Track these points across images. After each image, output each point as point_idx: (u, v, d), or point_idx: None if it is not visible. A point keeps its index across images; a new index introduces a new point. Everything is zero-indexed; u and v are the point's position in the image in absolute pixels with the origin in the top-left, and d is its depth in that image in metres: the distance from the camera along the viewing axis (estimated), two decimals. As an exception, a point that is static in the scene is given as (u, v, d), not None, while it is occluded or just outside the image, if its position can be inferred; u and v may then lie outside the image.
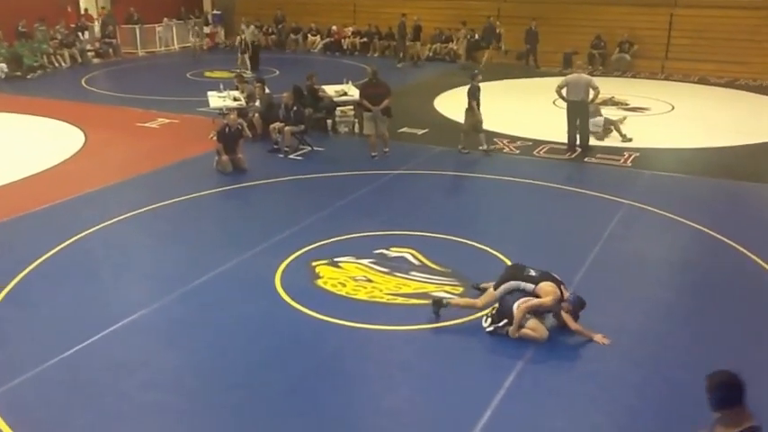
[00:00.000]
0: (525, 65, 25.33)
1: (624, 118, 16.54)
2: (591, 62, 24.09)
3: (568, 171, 13.55)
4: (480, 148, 14.30)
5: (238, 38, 25.00)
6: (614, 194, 11.86)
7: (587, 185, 12.43)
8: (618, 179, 12.86)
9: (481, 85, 14.33)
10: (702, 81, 22.99)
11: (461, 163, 13.90)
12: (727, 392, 4.07)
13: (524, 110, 19.00)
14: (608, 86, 18.61)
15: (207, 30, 30.95)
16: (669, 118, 18.02)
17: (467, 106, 14.32)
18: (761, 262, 9.30)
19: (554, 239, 10.20)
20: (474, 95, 14.18)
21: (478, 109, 14.20)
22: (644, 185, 12.50)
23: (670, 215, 10.98)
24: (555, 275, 7.63)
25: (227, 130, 13.27)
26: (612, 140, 15.24)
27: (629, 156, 14.22)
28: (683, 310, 8.19)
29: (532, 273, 7.61)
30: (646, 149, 14.70)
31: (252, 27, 25.42)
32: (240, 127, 13.91)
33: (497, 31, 25.84)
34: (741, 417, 4.08)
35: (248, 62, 24.03)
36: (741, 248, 9.71)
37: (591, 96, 14.35)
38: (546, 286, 7.43)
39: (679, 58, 24.31)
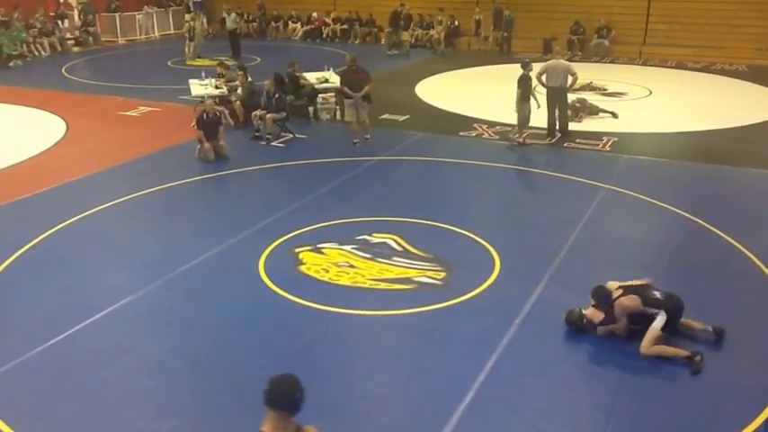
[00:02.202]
0: (500, 52, 25.41)
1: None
2: (570, 48, 24.24)
3: (548, 156, 13.69)
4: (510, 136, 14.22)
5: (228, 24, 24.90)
6: (593, 179, 12.02)
7: (567, 170, 12.57)
8: (597, 164, 13.02)
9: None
10: (680, 66, 23.21)
11: (442, 149, 14.00)
12: (272, 394, 4.00)
13: (504, 95, 19.05)
14: (586, 72, 18.75)
15: (187, 18, 30.74)
16: (647, 103, 18.21)
17: (516, 98, 14.04)
18: (736, 244, 9.48)
19: (534, 223, 10.35)
20: (522, 85, 13.89)
21: (527, 100, 13.90)
22: (622, 170, 12.67)
23: (648, 199, 11.15)
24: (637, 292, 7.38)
25: (204, 116, 13.27)
26: (593, 125, 15.39)
27: (608, 140, 14.38)
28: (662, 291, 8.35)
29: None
30: (624, 134, 14.86)
31: (233, 14, 25.37)
32: (218, 114, 13.85)
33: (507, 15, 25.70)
34: (283, 423, 4.02)
35: (189, 50, 23.94)
36: (717, 231, 9.90)
37: (570, 82, 14.48)
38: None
39: (656, 43, 24.51)
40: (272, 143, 14.30)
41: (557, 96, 14.51)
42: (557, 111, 14.60)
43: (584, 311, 7.45)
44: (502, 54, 25.15)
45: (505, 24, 25.31)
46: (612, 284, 7.47)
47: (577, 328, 7.39)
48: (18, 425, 6.08)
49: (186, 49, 24.10)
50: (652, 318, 7.11)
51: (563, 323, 7.46)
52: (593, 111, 16.13)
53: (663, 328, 7.05)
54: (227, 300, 8.17)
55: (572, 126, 14.89)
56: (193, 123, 14.36)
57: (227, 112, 15.38)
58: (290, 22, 29.77)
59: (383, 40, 27.47)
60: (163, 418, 6.21)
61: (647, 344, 6.99)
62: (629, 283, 7.49)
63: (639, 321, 7.17)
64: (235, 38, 24.71)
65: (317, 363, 6.98)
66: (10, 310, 8.00)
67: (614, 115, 16.12)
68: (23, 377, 6.78)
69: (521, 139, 14.19)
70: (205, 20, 29.99)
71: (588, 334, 7.37)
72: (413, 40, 27.03)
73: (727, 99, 18.90)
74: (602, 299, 7.37)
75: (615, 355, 7.11)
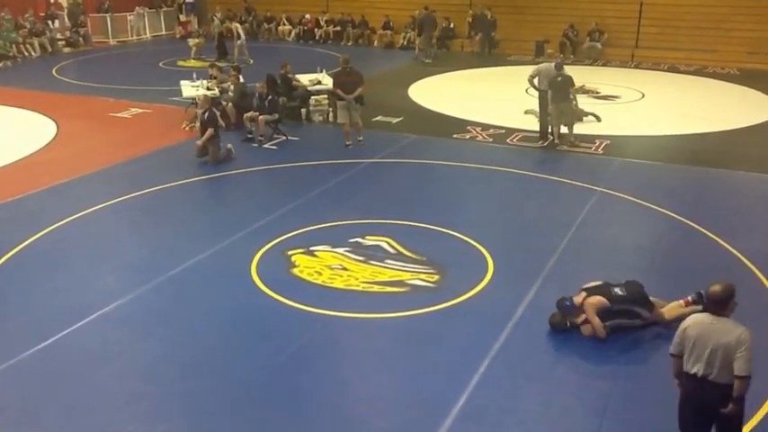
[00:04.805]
0: (480, 53, 25.44)
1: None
2: (562, 51, 24.25)
3: (541, 159, 13.69)
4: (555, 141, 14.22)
5: (236, 25, 24.57)
6: (586, 182, 12.02)
7: (560, 173, 12.58)
8: (590, 166, 13.03)
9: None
10: (672, 69, 23.27)
11: (436, 151, 13.98)
12: None
13: (497, 98, 19.13)
14: (579, 75, 18.66)
15: (182, 18, 30.73)
16: (639, 106, 18.24)
17: (554, 98, 13.97)
18: (728, 246, 9.50)
19: (527, 226, 10.35)
20: (557, 86, 13.90)
21: (567, 100, 13.97)
22: (615, 172, 12.68)
23: (641, 201, 11.16)
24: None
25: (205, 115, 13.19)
26: (586, 128, 15.39)
27: (601, 143, 14.39)
28: (653, 294, 8.33)
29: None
30: (617, 137, 14.88)
31: (219, 15, 25.38)
32: (208, 113, 13.37)
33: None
34: None
35: (241, 51, 23.67)
36: (709, 233, 9.92)
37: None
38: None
39: (649, 46, 24.56)
40: (265, 145, 14.26)
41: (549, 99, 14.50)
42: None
43: (569, 317, 7.52)
44: (483, 56, 25.11)
45: (482, 25, 25.36)
46: (578, 297, 7.58)
47: (562, 329, 7.45)
48: (7, 429, 6.02)
49: (235, 51, 23.54)
50: (630, 313, 7.48)
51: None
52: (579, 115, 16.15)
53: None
54: (218, 303, 8.13)
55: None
56: (185, 125, 14.32)
57: (218, 113, 15.30)
58: (281, 23, 29.64)
59: (375, 43, 27.47)
60: (154, 422, 6.17)
61: (665, 318, 7.51)
62: (590, 284, 7.71)
63: (620, 315, 7.47)
64: (221, 40, 24.55)
65: (310, 366, 6.94)
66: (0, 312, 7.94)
67: (597, 118, 16.07)
68: (13, 380, 6.72)
69: (556, 140, 14.21)
70: (196, 20, 29.98)
71: (580, 338, 7.37)
72: (405, 42, 27.02)
73: (719, 102, 18.97)
74: (566, 309, 7.52)
75: (607, 359, 7.11)
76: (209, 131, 13.03)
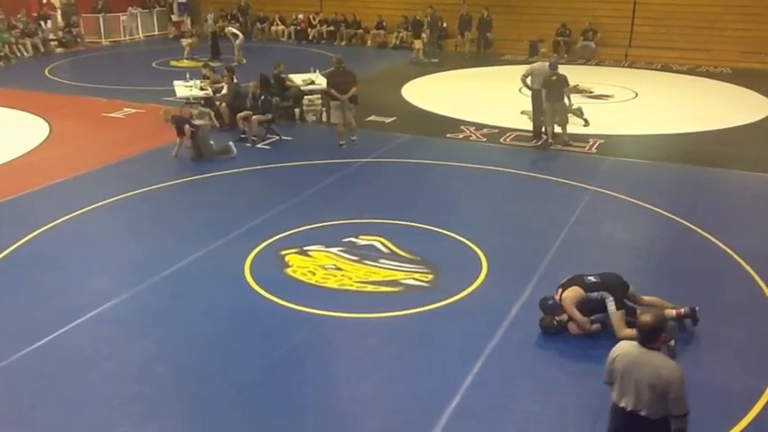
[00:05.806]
0: (476, 53, 25.44)
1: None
2: (556, 50, 24.27)
3: (535, 158, 13.70)
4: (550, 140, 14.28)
5: (229, 29, 24.42)
6: (580, 181, 12.03)
7: (553, 172, 12.59)
8: (583, 166, 13.04)
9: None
10: (665, 68, 23.31)
11: (429, 151, 13.97)
12: None
13: (490, 98, 19.13)
14: (572, 74, 18.61)
15: (174, 18, 30.65)
16: (633, 105, 18.26)
17: (548, 97, 13.99)
18: (722, 245, 9.51)
19: (521, 225, 10.35)
20: (552, 85, 13.89)
21: (561, 100, 14.00)
22: (608, 172, 12.69)
23: (634, 200, 11.17)
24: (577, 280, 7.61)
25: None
26: (579, 127, 15.40)
27: (594, 143, 14.40)
28: (647, 293, 8.35)
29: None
30: (610, 136, 14.89)
31: (212, 15, 25.30)
32: (175, 121, 13.45)
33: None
34: None
35: (236, 52, 23.52)
36: (703, 232, 9.93)
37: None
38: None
39: (642, 45, 24.61)
40: (258, 145, 14.23)
41: (542, 99, 14.50)
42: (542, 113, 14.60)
43: (555, 315, 7.51)
44: (477, 56, 25.10)
45: (469, 25, 25.36)
46: (557, 295, 7.57)
47: (554, 330, 7.43)
48: (0, 430, 6.00)
49: (235, 52, 23.35)
50: (602, 302, 7.34)
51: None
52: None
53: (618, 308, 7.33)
54: (212, 303, 8.11)
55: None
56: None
57: (212, 113, 15.29)
58: (275, 23, 29.56)
59: (368, 43, 27.45)
60: (147, 423, 6.15)
61: (617, 328, 7.18)
62: (563, 282, 7.67)
63: (595, 309, 7.40)
64: (215, 39, 24.52)
65: (304, 366, 6.93)
66: (-8, 313, 7.90)
67: (586, 122, 15.93)
68: (5, 382, 6.69)
69: (550, 139, 14.26)
70: (189, 20, 29.90)
71: (574, 337, 7.36)
72: (398, 42, 27.01)
73: (712, 101, 19.01)
74: (551, 309, 7.51)
75: (602, 358, 7.05)
76: (187, 129, 13.07)
